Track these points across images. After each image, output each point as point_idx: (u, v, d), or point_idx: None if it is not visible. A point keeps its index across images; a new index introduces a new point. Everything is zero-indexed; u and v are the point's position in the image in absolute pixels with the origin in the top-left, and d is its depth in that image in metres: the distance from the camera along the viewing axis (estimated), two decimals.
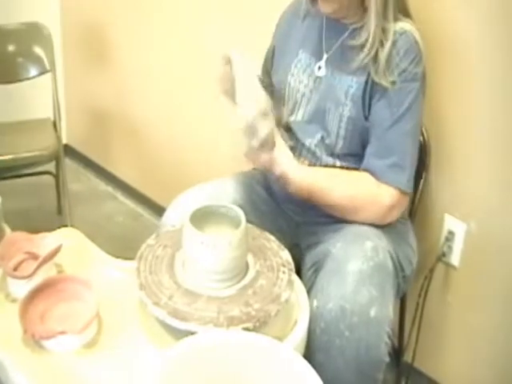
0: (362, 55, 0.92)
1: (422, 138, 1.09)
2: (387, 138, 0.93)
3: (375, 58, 0.91)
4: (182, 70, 1.64)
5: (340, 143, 0.97)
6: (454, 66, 1.06)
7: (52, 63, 1.65)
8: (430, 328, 1.21)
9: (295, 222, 1.07)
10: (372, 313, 0.83)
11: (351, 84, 0.95)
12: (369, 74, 0.93)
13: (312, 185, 0.94)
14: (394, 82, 0.91)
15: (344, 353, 0.83)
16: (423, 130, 1.08)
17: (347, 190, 0.94)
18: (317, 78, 0.99)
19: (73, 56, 1.96)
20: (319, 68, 0.99)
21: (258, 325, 0.74)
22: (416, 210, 1.13)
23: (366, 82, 0.93)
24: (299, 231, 1.07)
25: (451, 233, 1.14)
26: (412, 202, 1.12)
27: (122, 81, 1.85)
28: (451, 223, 1.14)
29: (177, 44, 1.64)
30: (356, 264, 0.85)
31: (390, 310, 0.86)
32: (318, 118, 0.98)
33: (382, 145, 0.93)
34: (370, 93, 0.93)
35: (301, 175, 0.94)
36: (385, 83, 0.91)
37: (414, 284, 1.15)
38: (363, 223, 0.94)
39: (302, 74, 1.01)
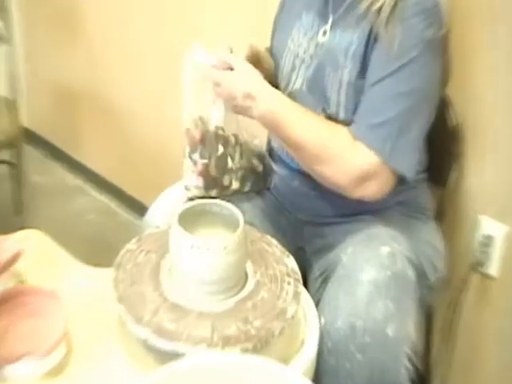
0: (366, 2, 0.93)
1: (451, 122, 1.09)
2: (374, 93, 0.93)
3: (380, 8, 0.91)
4: (167, 43, 1.62)
5: (341, 113, 0.97)
6: (494, 40, 1.06)
7: (9, 33, 1.64)
8: (463, 350, 1.21)
9: (298, 221, 1.08)
10: (388, 331, 0.82)
11: (351, 41, 0.96)
12: (372, 30, 0.93)
13: (281, 113, 0.94)
14: (396, 35, 0.90)
15: (354, 378, 0.83)
16: (454, 111, 1.08)
17: (319, 133, 0.94)
18: (318, 43, 1.01)
19: (34, 25, 1.95)
20: (324, 33, 1.00)
21: (259, 345, 0.73)
22: (445, 208, 1.13)
23: (369, 37, 0.94)
24: (303, 232, 1.08)
25: (488, 237, 1.14)
26: (440, 200, 1.12)
27: (93, 54, 1.84)
28: (488, 225, 1.14)
29: (160, 11, 1.64)
30: (369, 273, 0.85)
31: (410, 328, 0.86)
32: (318, 86, 1.00)
33: (367, 101, 0.94)
34: (372, 49, 0.93)
35: (270, 97, 0.95)
36: (386, 34, 0.90)
37: (444, 297, 1.15)
38: (333, 187, 0.95)
39: (303, 38, 1.03)
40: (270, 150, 1.14)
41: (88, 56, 1.86)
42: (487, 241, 1.14)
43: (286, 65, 1.05)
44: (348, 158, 0.92)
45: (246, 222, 0.82)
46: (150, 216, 1.04)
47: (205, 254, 0.77)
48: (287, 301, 0.79)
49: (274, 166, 1.11)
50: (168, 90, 1.66)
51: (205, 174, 1.02)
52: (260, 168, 1.09)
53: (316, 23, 1.02)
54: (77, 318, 0.80)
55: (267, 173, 1.11)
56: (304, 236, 1.08)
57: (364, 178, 0.92)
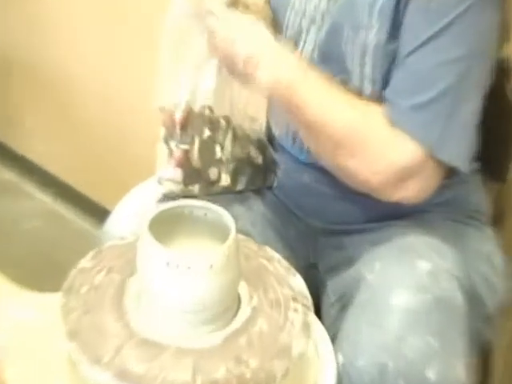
0: None
1: None
2: (413, 64, 0.93)
3: None
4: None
5: (368, 87, 0.98)
6: None
7: None
8: None
9: (310, 230, 1.10)
10: (429, 374, 0.84)
11: None
12: None
13: (294, 85, 0.94)
14: None
15: None
16: None
17: (346, 113, 0.94)
18: None
19: None
20: None
21: None
22: (504, 210, 1.15)
23: None
24: (317, 244, 1.10)
25: None
26: (497, 199, 1.14)
27: (36, 14, 1.85)
28: None
29: None
30: (403, 297, 0.86)
31: (459, 371, 0.87)
32: (334, 53, 1.00)
33: (405, 74, 0.94)
34: (406, 4, 0.93)
35: (279, 63, 0.95)
36: None
37: (506, 329, 1.17)
38: (376, 201, 0.95)
39: None
40: (271, 139, 1.15)
41: (31, 15, 1.87)
42: None
43: (289, 26, 1.06)
44: (383, 149, 0.93)
45: (239, 231, 0.83)
46: (111, 223, 1.06)
47: (185, 273, 0.77)
48: (293, 333, 0.80)
49: (278, 159, 1.12)
50: (134, 60, 1.68)
51: (184, 163, 1.03)
52: (259, 160, 1.10)
53: None
54: (13, 357, 0.80)
55: (268, 167, 1.12)
56: (317, 249, 1.10)
57: (404, 175, 0.93)
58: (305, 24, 1.03)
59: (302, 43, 1.04)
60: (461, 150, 0.94)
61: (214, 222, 0.83)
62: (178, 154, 1.02)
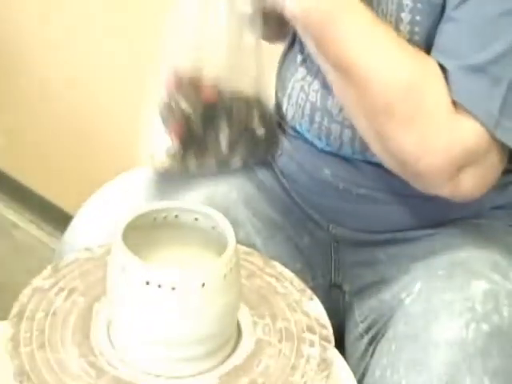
0: None
1: None
2: (470, 11, 0.92)
3: None
4: None
5: (406, 36, 0.98)
6: None
7: None
8: None
9: (331, 238, 1.11)
10: None
11: None
12: None
13: (333, 17, 0.93)
14: None
15: None
16: None
17: (397, 63, 0.94)
18: None
19: None
20: None
21: None
22: None
23: None
24: (340, 257, 1.12)
25: None
26: None
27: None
28: None
29: None
30: (451, 327, 0.88)
31: None
32: None
33: (460, 25, 0.93)
34: None
35: None
36: None
37: None
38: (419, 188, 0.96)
39: None
40: (281, 121, 1.16)
41: None
42: None
43: None
44: (444, 123, 0.93)
45: (240, 241, 0.85)
46: (73, 232, 1.08)
47: (169, 296, 0.78)
48: (308, 374, 0.81)
49: (290, 147, 1.14)
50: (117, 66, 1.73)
51: (184, 131, 1.05)
52: (261, 132, 1.12)
53: None
54: None
55: (271, 139, 1.14)
56: (341, 264, 1.12)
57: (468, 160, 0.93)
58: None
59: None
60: None
61: (206, 230, 0.85)
62: (177, 119, 1.05)
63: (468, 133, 0.92)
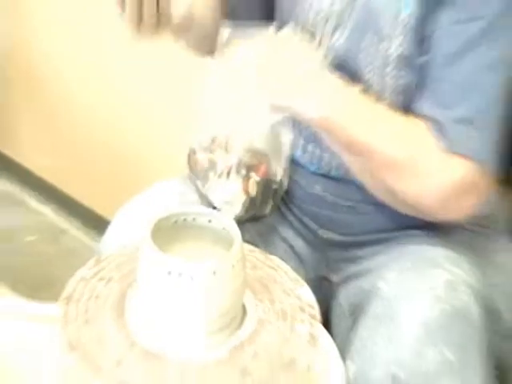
0: None
1: None
2: (451, 74, 0.94)
3: None
4: None
5: (388, 98, 0.99)
6: None
7: None
8: None
9: (322, 241, 1.12)
10: None
11: (403, 1, 0.95)
12: None
13: (341, 119, 0.94)
14: None
15: None
16: None
17: (394, 134, 0.96)
18: None
19: None
20: None
21: None
22: None
23: (428, 1, 0.94)
24: (329, 256, 1.12)
25: None
26: None
27: (36, 28, 1.87)
28: None
29: None
30: (419, 307, 0.89)
31: None
32: (349, 61, 1.01)
33: (447, 83, 0.95)
34: (433, 12, 0.94)
35: (329, 97, 0.95)
36: None
37: None
38: (406, 213, 0.97)
39: None
40: None
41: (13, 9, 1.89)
42: None
43: (305, 28, 1.03)
44: (434, 169, 0.94)
45: (245, 242, 0.85)
46: (110, 234, 1.08)
47: (187, 282, 0.79)
48: (300, 346, 0.82)
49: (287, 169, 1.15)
50: (138, 73, 1.72)
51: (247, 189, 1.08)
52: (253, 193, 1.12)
53: None
54: (10, 370, 0.83)
55: (264, 200, 1.14)
56: (329, 262, 1.12)
57: (457, 194, 0.94)
58: (320, 23, 1.03)
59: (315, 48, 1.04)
60: (493, 153, 0.96)
61: (218, 230, 0.86)
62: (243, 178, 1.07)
63: (459, 172, 0.94)
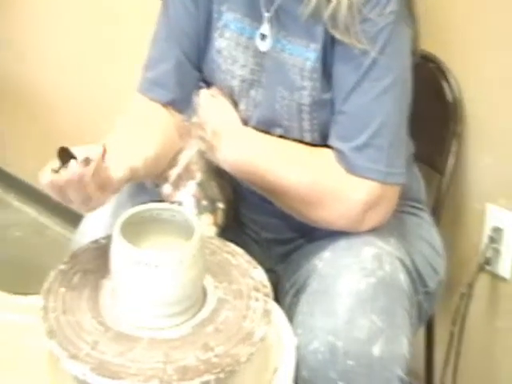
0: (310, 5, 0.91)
1: (450, 97, 1.13)
2: (351, 106, 0.94)
3: (335, 9, 0.90)
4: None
5: (307, 138, 1.00)
6: None
7: None
8: (472, 368, 1.24)
9: (263, 239, 1.11)
10: (375, 351, 0.85)
11: (307, 54, 0.96)
12: (326, 32, 0.93)
13: (258, 161, 0.96)
14: (357, 29, 0.90)
15: None
16: (452, 82, 1.12)
17: (305, 170, 0.96)
18: (259, 53, 0.99)
19: None
20: (263, 37, 0.99)
21: (223, 376, 0.75)
22: (443, 198, 1.16)
23: (325, 46, 0.94)
24: (271, 254, 1.10)
25: (497, 230, 1.18)
26: (438, 189, 1.15)
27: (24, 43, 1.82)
28: (497, 216, 1.17)
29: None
30: (350, 282, 0.88)
31: (403, 345, 0.88)
32: (268, 112, 1.01)
33: (346, 118, 0.95)
34: (332, 57, 0.95)
35: (240, 142, 0.97)
36: (346, 34, 0.90)
37: (447, 305, 1.19)
38: (329, 227, 0.96)
39: (235, 49, 1.01)
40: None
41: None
42: (496, 235, 1.18)
43: (226, 88, 1.03)
44: (341, 195, 0.95)
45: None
46: (84, 228, 1.05)
47: (154, 270, 0.78)
48: (255, 320, 0.81)
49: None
50: (125, 79, 1.67)
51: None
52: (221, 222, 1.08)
53: (247, 25, 1.00)
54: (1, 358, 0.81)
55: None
56: (272, 258, 1.10)
57: (366, 210, 0.95)
58: (236, 87, 1.02)
59: (239, 104, 1.03)
60: (397, 166, 0.96)
61: (180, 223, 0.84)
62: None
63: (364, 191, 0.94)
